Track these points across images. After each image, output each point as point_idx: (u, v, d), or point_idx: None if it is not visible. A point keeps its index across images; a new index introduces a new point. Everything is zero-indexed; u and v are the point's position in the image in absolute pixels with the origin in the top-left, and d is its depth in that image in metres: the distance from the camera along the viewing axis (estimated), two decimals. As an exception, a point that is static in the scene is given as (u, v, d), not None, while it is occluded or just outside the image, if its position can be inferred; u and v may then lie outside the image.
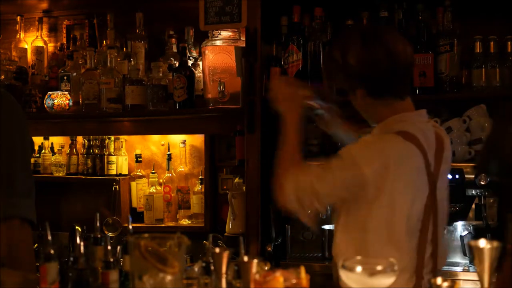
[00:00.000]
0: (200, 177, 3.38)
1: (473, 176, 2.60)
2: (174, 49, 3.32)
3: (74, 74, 3.45)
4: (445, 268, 2.71)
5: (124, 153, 3.55)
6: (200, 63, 3.17)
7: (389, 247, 1.79)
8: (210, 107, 3.06)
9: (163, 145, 3.52)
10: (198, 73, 3.19)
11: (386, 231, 1.80)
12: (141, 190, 3.47)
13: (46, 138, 3.66)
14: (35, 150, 3.61)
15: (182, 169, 3.45)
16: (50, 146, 3.65)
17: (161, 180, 3.46)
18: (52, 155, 3.63)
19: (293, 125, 1.96)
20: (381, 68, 1.86)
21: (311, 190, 1.81)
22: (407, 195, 1.81)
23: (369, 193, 1.78)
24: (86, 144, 3.54)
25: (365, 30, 2.03)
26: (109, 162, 3.47)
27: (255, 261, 1.32)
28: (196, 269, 1.41)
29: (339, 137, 2.19)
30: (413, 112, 1.92)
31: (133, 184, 3.50)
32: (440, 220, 1.89)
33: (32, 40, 3.68)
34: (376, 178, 1.77)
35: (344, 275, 1.33)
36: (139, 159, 3.48)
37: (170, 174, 3.43)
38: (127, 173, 3.54)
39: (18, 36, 3.68)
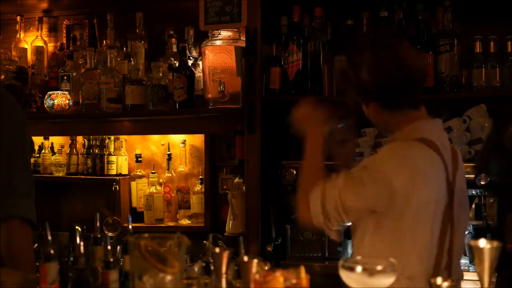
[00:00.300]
0: (200, 177, 3.38)
1: (473, 176, 2.60)
2: (174, 49, 3.32)
3: (74, 74, 3.45)
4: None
5: (124, 153, 3.55)
6: (200, 63, 3.17)
7: (412, 257, 1.79)
8: (210, 107, 3.06)
9: (163, 145, 3.52)
10: (198, 73, 3.19)
11: (410, 241, 1.80)
12: (141, 190, 3.47)
13: (46, 138, 3.66)
14: (35, 150, 3.61)
15: (182, 169, 3.45)
16: (50, 146, 3.65)
17: (161, 180, 3.46)
18: (52, 155, 3.63)
19: (317, 145, 1.96)
20: (395, 81, 1.86)
21: (339, 202, 1.79)
22: (431, 204, 1.81)
23: (398, 204, 1.77)
24: (86, 144, 3.54)
25: (377, 43, 2.01)
26: (109, 162, 3.47)
27: (255, 261, 1.32)
28: (196, 269, 1.41)
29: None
30: (431, 120, 1.92)
31: (133, 184, 3.50)
32: (456, 229, 1.88)
33: (32, 40, 3.68)
34: (405, 189, 1.76)
35: (344, 275, 1.33)
36: (139, 159, 3.48)
37: (170, 174, 3.43)
38: (127, 173, 3.54)
39: (18, 36, 3.68)
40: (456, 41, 2.82)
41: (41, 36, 3.69)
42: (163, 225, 3.37)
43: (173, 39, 3.34)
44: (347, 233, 2.75)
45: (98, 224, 1.45)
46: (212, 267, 1.38)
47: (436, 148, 1.82)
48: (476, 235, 2.65)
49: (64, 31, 3.70)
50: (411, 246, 1.81)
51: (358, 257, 1.34)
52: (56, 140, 3.66)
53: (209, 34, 3.08)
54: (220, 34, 3.04)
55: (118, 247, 1.47)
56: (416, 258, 1.80)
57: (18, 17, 3.66)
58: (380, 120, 1.96)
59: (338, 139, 2.06)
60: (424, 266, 1.81)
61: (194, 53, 3.29)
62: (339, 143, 2.07)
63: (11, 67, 3.51)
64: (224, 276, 1.34)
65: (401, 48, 1.93)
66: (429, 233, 1.81)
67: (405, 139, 1.85)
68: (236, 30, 3.05)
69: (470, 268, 2.63)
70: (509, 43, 2.81)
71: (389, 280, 1.31)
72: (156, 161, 3.52)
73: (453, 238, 1.86)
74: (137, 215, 3.41)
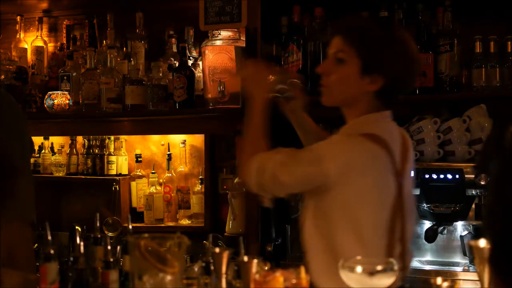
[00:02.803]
0: (200, 177, 3.38)
1: (473, 176, 2.60)
2: (174, 49, 3.32)
3: (74, 74, 3.45)
4: (445, 268, 2.73)
5: (124, 153, 3.55)
6: (200, 63, 3.17)
7: (357, 246, 1.78)
8: (210, 107, 3.06)
9: (163, 145, 3.52)
10: (198, 73, 3.19)
11: (354, 231, 1.79)
12: (141, 190, 3.47)
13: (46, 138, 3.66)
14: (35, 150, 3.61)
15: (182, 169, 3.45)
16: (50, 146, 3.65)
17: (161, 180, 3.46)
18: (52, 155, 3.63)
19: (259, 107, 1.96)
20: (413, 76, 1.91)
21: (273, 177, 1.80)
22: (373, 195, 1.80)
23: (333, 190, 1.77)
24: (86, 144, 3.54)
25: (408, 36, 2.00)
26: (109, 162, 3.47)
27: (255, 261, 1.32)
28: (196, 269, 1.41)
29: (299, 129, 2.16)
30: (377, 114, 1.89)
31: (133, 184, 3.50)
32: (408, 218, 1.88)
33: (32, 40, 3.68)
34: (340, 175, 1.75)
35: (344, 275, 1.33)
36: (139, 159, 3.48)
37: (170, 174, 3.43)
38: (127, 173, 3.54)
39: (18, 36, 3.68)
40: (456, 41, 2.82)
41: (41, 36, 3.70)
42: (163, 225, 3.37)
43: (173, 39, 3.34)
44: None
45: (98, 224, 1.46)
46: (212, 267, 1.38)
47: (382, 142, 1.80)
48: (476, 235, 2.64)
49: (64, 31, 3.70)
50: (356, 236, 1.79)
51: (358, 257, 1.34)
52: (56, 140, 3.66)
53: (209, 34, 3.08)
54: (220, 34, 3.04)
55: (118, 247, 1.47)
56: (362, 247, 1.77)
57: (18, 17, 3.66)
58: (348, 92, 1.89)
59: (286, 96, 2.06)
60: (373, 256, 1.74)
61: (194, 53, 3.29)
62: (286, 100, 2.07)
63: (11, 67, 3.51)
64: (224, 276, 1.35)
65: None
66: (372, 224, 1.80)
67: (350, 134, 1.85)
68: (236, 30, 3.05)
69: (470, 268, 2.63)
70: (509, 43, 2.81)
71: (389, 280, 1.31)
72: (156, 161, 3.52)
73: (404, 227, 1.86)
74: (137, 215, 3.41)
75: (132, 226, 1.49)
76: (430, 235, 2.66)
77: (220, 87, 2.98)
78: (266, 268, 1.37)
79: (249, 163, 1.87)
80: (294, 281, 1.33)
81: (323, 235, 1.83)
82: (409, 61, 1.87)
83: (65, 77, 3.46)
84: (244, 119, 1.98)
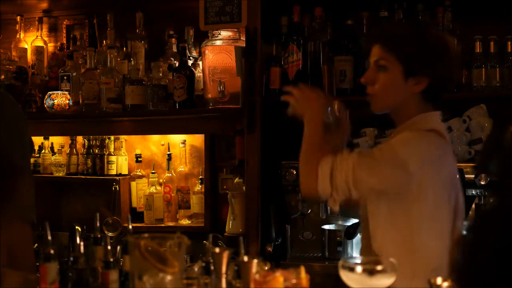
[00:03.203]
0: (200, 177, 3.38)
1: (473, 176, 2.60)
2: (174, 49, 3.32)
3: (74, 74, 3.45)
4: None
5: (124, 153, 3.55)
6: (200, 63, 3.17)
7: (439, 244, 1.81)
8: (210, 107, 3.06)
9: (163, 145, 3.52)
10: (198, 73, 3.19)
11: (434, 225, 1.81)
12: (141, 190, 3.47)
13: (46, 138, 3.66)
14: (35, 150, 3.61)
15: (182, 169, 3.45)
16: (50, 146, 3.65)
17: (161, 180, 3.46)
18: (52, 155, 3.63)
19: (318, 123, 1.95)
20: (448, 67, 1.94)
21: (351, 175, 1.78)
22: (446, 191, 1.83)
23: (413, 190, 1.79)
24: (86, 144, 3.54)
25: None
26: (109, 162, 3.47)
27: (255, 261, 1.32)
28: (196, 269, 1.41)
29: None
30: (432, 112, 1.93)
31: (133, 184, 3.50)
32: (461, 219, 1.91)
33: (32, 40, 3.68)
34: (420, 175, 1.77)
35: (344, 275, 1.33)
36: (139, 159, 3.48)
37: (170, 174, 3.43)
38: (127, 173, 3.54)
39: (18, 36, 3.68)
40: (456, 41, 2.82)
41: (41, 36, 3.69)
42: (163, 225, 3.37)
43: (173, 39, 3.33)
44: (347, 233, 2.76)
45: (98, 224, 1.45)
46: (212, 267, 1.38)
47: (445, 137, 1.87)
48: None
49: (64, 31, 3.69)
50: (436, 231, 1.81)
51: (358, 257, 1.34)
52: (56, 140, 3.66)
53: (209, 34, 3.08)
54: (220, 34, 3.04)
55: (118, 247, 1.47)
56: (441, 242, 1.80)
57: (18, 17, 3.66)
58: (394, 98, 1.93)
59: (332, 121, 2.06)
60: (446, 257, 1.79)
61: (194, 53, 3.29)
62: (333, 126, 2.07)
63: (11, 67, 3.51)
64: (224, 276, 1.35)
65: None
66: (446, 222, 1.83)
67: (418, 130, 1.86)
68: (236, 30, 3.05)
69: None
70: (509, 43, 2.81)
71: (389, 280, 1.31)
72: (156, 161, 3.52)
73: (459, 227, 1.88)
74: (137, 215, 3.41)
75: (132, 226, 1.49)
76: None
77: (220, 87, 2.98)
78: (266, 268, 1.37)
79: (319, 168, 1.83)
80: (294, 281, 1.33)
81: (405, 237, 1.82)
82: (447, 56, 1.92)
83: (65, 77, 3.46)
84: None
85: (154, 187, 3.43)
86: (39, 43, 3.68)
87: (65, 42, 3.68)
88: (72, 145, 3.59)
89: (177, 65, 3.20)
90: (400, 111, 1.92)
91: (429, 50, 1.88)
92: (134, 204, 3.49)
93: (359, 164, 1.79)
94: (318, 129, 1.95)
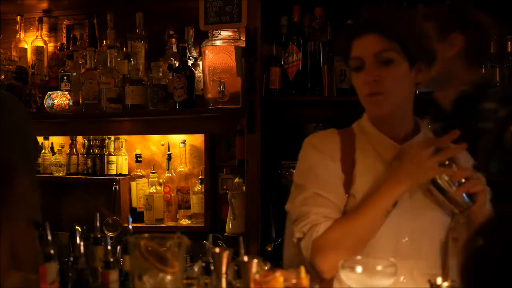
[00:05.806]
0: (200, 177, 3.38)
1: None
2: (174, 49, 3.32)
3: (74, 74, 3.45)
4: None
5: (124, 153, 3.55)
6: (200, 63, 3.17)
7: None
8: (210, 107, 3.06)
9: (163, 145, 3.52)
10: (198, 73, 3.19)
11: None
12: (141, 190, 3.47)
13: (46, 138, 3.66)
14: (41, 148, 3.62)
15: (182, 169, 3.45)
16: (50, 146, 3.65)
17: (161, 180, 3.46)
18: (52, 155, 3.63)
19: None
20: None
21: None
22: None
23: None
24: (86, 144, 3.54)
25: None
26: (109, 162, 3.47)
27: (255, 261, 1.32)
28: (196, 269, 1.41)
29: None
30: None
31: (133, 184, 3.50)
32: None
33: (32, 40, 3.68)
34: None
35: (344, 275, 1.33)
36: (139, 159, 3.48)
37: (170, 174, 3.43)
38: (127, 173, 3.54)
39: (18, 36, 3.68)
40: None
41: (41, 36, 3.69)
42: (163, 225, 3.37)
43: (173, 39, 3.34)
44: None
45: (98, 224, 1.45)
46: (212, 267, 1.38)
47: None
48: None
49: (64, 31, 3.70)
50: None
51: (358, 257, 1.34)
52: (56, 140, 3.67)
53: (209, 34, 3.08)
54: (220, 34, 3.04)
55: (118, 247, 1.47)
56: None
57: (18, 17, 3.66)
58: (404, 94, 1.66)
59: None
60: None
61: (194, 53, 3.29)
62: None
63: (11, 67, 3.52)
64: (224, 276, 1.34)
65: None
66: None
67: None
68: (236, 30, 3.05)
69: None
70: (509, 43, 2.81)
71: (389, 280, 1.31)
72: (156, 161, 3.52)
73: None
74: (137, 215, 3.41)
75: (132, 226, 1.49)
76: None
77: (220, 87, 2.98)
78: (266, 268, 1.37)
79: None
80: (294, 281, 1.33)
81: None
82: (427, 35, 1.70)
83: (65, 77, 3.46)
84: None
85: (154, 187, 3.43)
86: (39, 43, 3.68)
87: (65, 42, 3.68)
88: (72, 145, 3.59)
89: (177, 65, 3.20)
90: (400, 111, 1.69)
91: (422, 30, 1.67)
92: (134, 204, 3.49)
93: None
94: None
